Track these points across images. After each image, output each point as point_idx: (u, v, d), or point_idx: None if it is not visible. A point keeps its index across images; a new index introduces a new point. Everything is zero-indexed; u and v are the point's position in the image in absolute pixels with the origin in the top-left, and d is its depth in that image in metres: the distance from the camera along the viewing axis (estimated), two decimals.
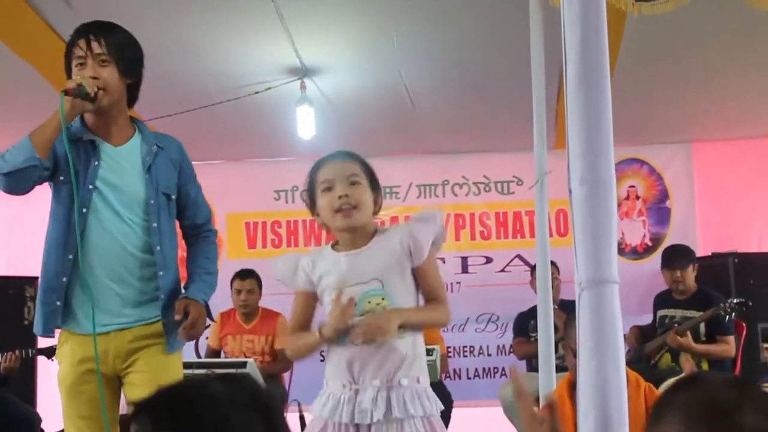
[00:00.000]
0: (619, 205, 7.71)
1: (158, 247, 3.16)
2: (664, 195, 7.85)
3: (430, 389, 2.77)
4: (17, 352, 5.75)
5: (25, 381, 6.70)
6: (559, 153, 2.16)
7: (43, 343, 5.73)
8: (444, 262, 7.65)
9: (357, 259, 2.76)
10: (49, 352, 5.62)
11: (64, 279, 3.08)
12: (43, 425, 5.92)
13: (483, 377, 7.85)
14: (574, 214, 1.71)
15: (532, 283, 6.17)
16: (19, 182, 3.00)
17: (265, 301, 6.54)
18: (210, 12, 4.94)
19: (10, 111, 6.25)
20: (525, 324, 6.58)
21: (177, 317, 3.11)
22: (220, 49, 5.42)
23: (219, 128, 6.98)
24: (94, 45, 3.10)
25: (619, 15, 3.99)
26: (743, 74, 6.09)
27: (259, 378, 5.56)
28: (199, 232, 3.43)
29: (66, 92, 2.98)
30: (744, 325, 6.00)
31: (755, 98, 6.66)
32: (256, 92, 6.06)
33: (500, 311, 7.71)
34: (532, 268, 6.47)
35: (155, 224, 3.16)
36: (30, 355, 5.86)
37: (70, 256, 3.08)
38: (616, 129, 1.83)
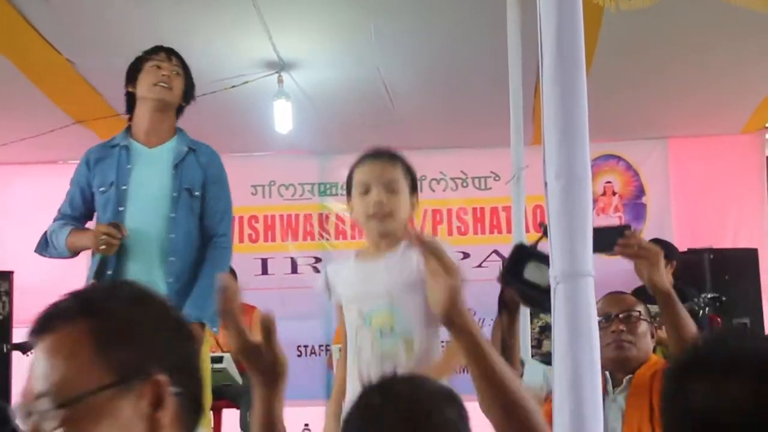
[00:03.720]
0: (596, 201, 7.73)
1: (172, 235, 3.47)
2: (640, 191, 7.87)
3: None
4: None
5: None
6: (536, 149, 2.17)
7: (18, 338, 5.68)
8: None
9: (372, 270, 2.73)
10: (24, 348, 5.57)
11: (110, 272, 3.44)
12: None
13: (460, 372, 7.82)
14: (550, 208, 1.72)
15: None
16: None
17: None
18: (186, 5, 4.91)
19: None
20: None
21: None
22: (196, 43, 5.39)
23: (195, 122, 6.87)
24: (173, 58, 3.73)
25: (595, 10, 4.01)
26: (720, 70, 6.12)
27: (236, 373, 5.55)
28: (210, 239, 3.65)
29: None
30: (719, 320, 6.03)
31: (731, 94, 6.69)
32: (233, 86, 6.03)
33: (477, 306, 7.63)
34: None
35: (173, 215, 3.51)
36: (5, 351, 5.80)
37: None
38: (593, 125, 1.84)
